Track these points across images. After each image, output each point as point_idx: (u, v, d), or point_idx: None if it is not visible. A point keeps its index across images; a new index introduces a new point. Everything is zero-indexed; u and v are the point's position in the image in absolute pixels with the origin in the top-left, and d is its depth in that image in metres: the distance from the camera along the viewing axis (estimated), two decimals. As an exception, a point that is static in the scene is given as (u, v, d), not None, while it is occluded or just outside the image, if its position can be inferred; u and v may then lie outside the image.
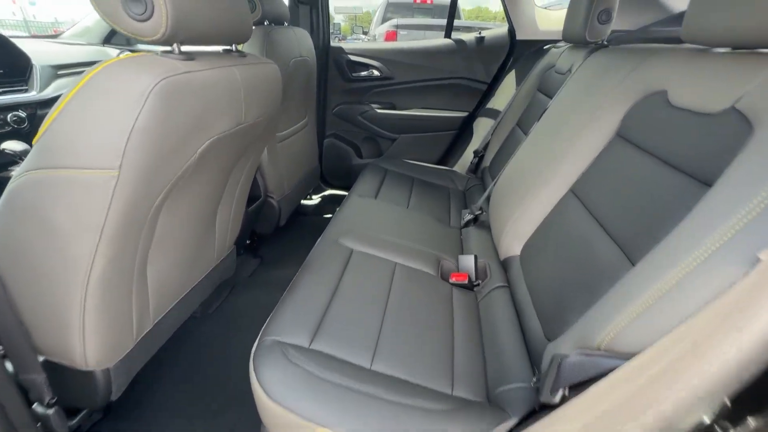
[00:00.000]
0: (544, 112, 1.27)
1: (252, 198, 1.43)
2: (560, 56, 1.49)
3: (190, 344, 1.25)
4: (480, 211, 1.37)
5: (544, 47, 1.79)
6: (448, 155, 2.15)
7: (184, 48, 0.68)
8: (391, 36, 5.60)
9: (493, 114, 1.91)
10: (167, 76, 0.57)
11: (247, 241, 1.71)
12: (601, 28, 1.23)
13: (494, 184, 1.36)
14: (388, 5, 7.10)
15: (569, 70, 1.32)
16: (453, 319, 0.92)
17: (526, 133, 1.47)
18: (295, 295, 0.89)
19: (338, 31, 7.53)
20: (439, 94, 2.08)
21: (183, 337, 1.25)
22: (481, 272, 1.13)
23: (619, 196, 0.75)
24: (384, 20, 6.67)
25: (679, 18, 1.42)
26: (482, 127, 1.96)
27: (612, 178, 0.81)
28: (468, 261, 1.13)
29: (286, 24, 1.54)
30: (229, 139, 0.79)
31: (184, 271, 0.95)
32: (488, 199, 1.38)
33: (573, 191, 0.93)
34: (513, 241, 1.05)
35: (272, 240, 1.82)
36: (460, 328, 0.90)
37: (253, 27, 1.36)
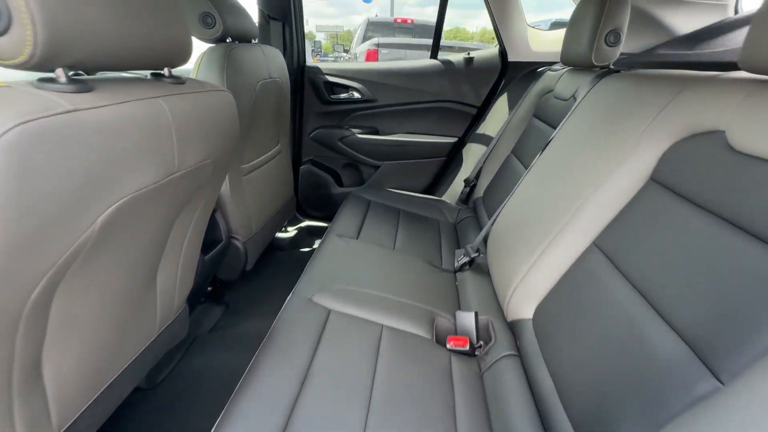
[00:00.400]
0: (548, 143, 1.12)
1: (212, 242, 1.22)
2: (559, 80, 1.36)
3: (131, 427, 1.01)
4: (477, 254, 1.20)
5: (539, 70, 1.67)
6: (436, 184, 1.99)
7: (91, 75, 0.49)
8: (372, 54, 5.57)
9: (485, 140, 1.77)
10: (30, 118, 0.37)
11: (209, 288, 1.48)
12: (610, 50, 1.10)
13: (492, 224, 1.20)
14: (369, 24, 7.13)
15: (573, 97, 1.18)
16: (454, 401, 0.75)
17: (524, 164, 1.33)
18: (253, 384, 0.69)
19: (319, 49, 7.50)
20: (425, 118, 1.93)
21: (122, 416, 1.01)
22: (483, 332, 0.96)
23: (669, 262, 0.58)
24: (365, 39, 6.67)
25: (686, 41, 1.32)
26: (473, 154, 1.82)
27: (652, 234, 0.65)
28: (467, 319, 0.96)
29: (254, 41, 1.36)
30: (155, 193, 0.58)
31: (109, 354, 0.73)
32: (485, 239, 1.22)
33: (597, 245, 0.77)
34: (523, 301, 0.87)
35: (240, 282, 1.59)
36: (463, 413, 0.73)
37: (214, 45, 1.19)
